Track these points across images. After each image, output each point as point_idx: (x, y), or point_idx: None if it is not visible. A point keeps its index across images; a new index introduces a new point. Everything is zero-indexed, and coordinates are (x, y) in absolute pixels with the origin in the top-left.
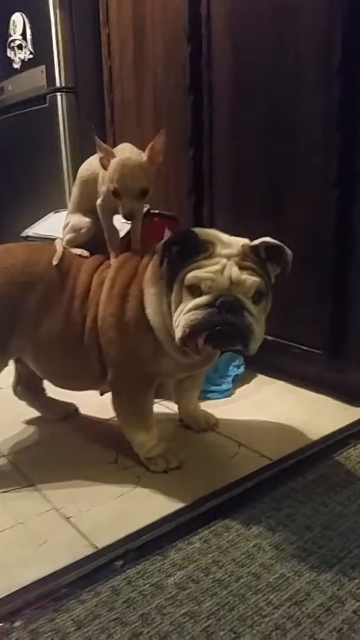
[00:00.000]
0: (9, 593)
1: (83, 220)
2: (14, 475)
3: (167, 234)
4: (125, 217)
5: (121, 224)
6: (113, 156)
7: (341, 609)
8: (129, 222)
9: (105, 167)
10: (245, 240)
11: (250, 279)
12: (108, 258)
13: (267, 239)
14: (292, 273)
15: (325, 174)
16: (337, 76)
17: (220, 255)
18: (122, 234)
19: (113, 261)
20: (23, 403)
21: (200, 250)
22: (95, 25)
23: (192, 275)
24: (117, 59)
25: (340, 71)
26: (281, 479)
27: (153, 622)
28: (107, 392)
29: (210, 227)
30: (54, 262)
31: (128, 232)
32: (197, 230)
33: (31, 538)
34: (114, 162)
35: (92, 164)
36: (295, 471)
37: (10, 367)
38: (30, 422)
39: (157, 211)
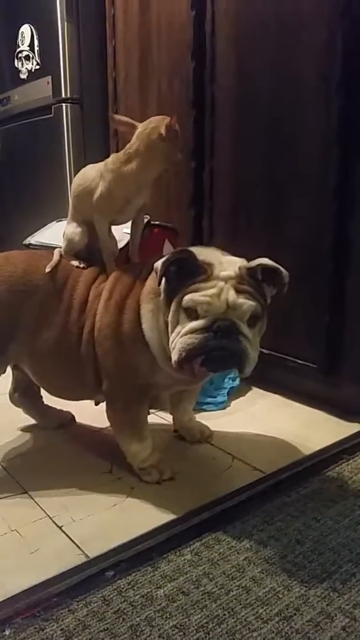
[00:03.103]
0: None
1: (76, 230)
2: (7, 482)
3: (167, 245)
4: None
5: (121, 234)
6: (136, 127)
7: (330, 624)
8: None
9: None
10: (243, 261)
11: (247, 304)
12: (105, 270)
13: (264, 260)
14: (289, 286)
15: (324, 188)
16: (337, 91)
17: (218, 277)
18: (121, 244)
19: (110, 273)
20: (19, 410)
21: (198, 272)
22: (102, 38)
23: (189, 298)
24: (122, 71)
25: (341, 86)
26: (274, 493)
27: (142, 633)
28: (103, 401)
29: (210, 238)
30: (47, 270)
31: (127, 244)
32: (196, 250)
33: (23, 546)
34: (156, 118)
35: (83, 177)
36: (287, 485)
37: (8, 374)
38: (25, 429)
39: (157, 222)
